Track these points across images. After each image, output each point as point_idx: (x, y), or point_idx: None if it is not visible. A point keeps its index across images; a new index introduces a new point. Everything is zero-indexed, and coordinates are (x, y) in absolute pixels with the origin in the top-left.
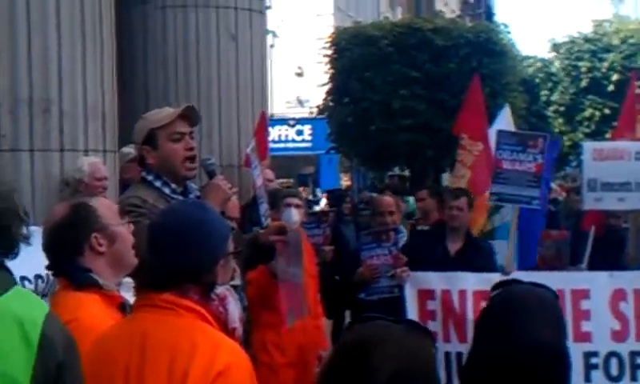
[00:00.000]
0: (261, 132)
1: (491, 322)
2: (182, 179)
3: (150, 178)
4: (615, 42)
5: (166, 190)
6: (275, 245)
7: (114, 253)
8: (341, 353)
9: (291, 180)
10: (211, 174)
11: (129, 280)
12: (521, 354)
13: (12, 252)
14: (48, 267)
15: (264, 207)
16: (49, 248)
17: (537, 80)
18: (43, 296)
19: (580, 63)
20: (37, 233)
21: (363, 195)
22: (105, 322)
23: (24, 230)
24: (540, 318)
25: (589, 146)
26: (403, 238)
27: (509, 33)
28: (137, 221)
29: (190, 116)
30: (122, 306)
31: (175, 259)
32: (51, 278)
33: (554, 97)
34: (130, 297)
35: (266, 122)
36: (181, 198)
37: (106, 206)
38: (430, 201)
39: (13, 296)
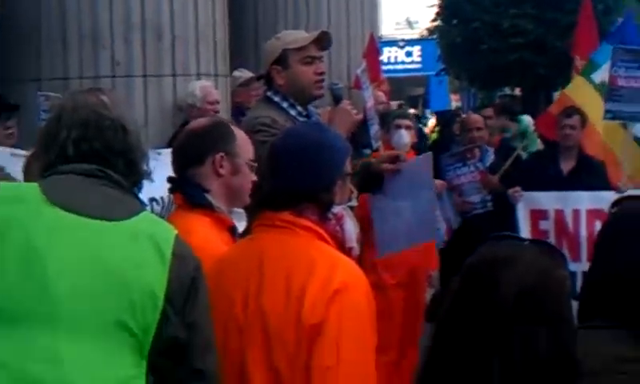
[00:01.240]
0: (371, 54)
1: (616, 236)
2: (311, 99)
3: (276, 98)
4: None
5: (293, 112)
6: (384, 173)
7: (231, 183)
8: (471, 272)
9: (402, 101)
10: (338, 99)
11: (240, 210)
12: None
13: (138, 184)
14: (169, 179)
15: (375, 129)
16: (178, 152)
17: None
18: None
19: None
20: (152, 157)
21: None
22: (215, 244)
23: (146, 166)
24: None
25: None
26: (490, 156)
27: None
28: (267, 140)
29: (322, 40)
30: (233, 230)
31: (293, 179)
32: (166, 201)
33: None
34: (240, 226)
35: (375, 43)
36: (306, 120)
37: (244, 139)
38: (497, 120)
39: (144, 218)
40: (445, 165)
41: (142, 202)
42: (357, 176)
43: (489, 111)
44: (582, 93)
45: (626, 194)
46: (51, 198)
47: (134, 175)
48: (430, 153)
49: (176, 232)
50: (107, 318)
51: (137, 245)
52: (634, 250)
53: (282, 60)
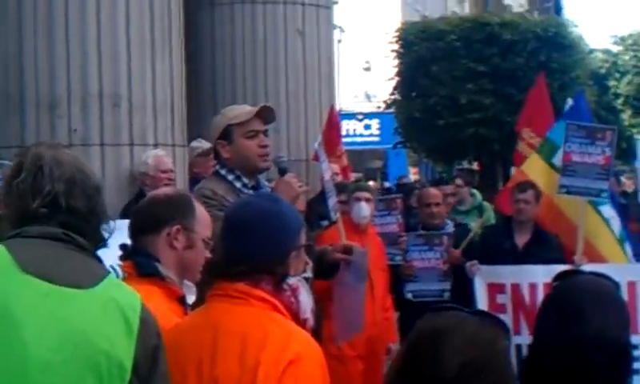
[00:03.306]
0: (332, 126)
1: (553, 313)
2: (256, 172)
3: (223, 171)
4: None
5: (238, 184)
6: (340, 263)
7: (184, 257)
8: (414, 341)
9: (360, 174)
10: (283, 171)
11: (190, 283)
12: (582, 346)
13: (98, 248)
14: (121, 247)
15: (332, 201)
16: (136, 216)
17: (602, 71)
18: None
19: None
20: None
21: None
22: (166, 315)
23: (108, 231)
24: (601, 310)
25: None
26: (450, 229)
27: (577, 26)
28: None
29: (265, 115)
30: (182, 300)
31: (248, 250)
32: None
33: (621, 89)
34: (190, 299)
35: (335, 117)
36: (252, 192)
37: (205, 216)
38: (466, 189)
39: (110, 283)
40: (410, 244)
41: (104, 266)
42: (311, 254)
43: (450, 188)
44: (541, 172)
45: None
46: (23, 264)
47: (99, 239)
48: (365, 250)
49: (140, 298)
50: None
51: (106, 316)
52: (562, 327)
53: (226, 135)
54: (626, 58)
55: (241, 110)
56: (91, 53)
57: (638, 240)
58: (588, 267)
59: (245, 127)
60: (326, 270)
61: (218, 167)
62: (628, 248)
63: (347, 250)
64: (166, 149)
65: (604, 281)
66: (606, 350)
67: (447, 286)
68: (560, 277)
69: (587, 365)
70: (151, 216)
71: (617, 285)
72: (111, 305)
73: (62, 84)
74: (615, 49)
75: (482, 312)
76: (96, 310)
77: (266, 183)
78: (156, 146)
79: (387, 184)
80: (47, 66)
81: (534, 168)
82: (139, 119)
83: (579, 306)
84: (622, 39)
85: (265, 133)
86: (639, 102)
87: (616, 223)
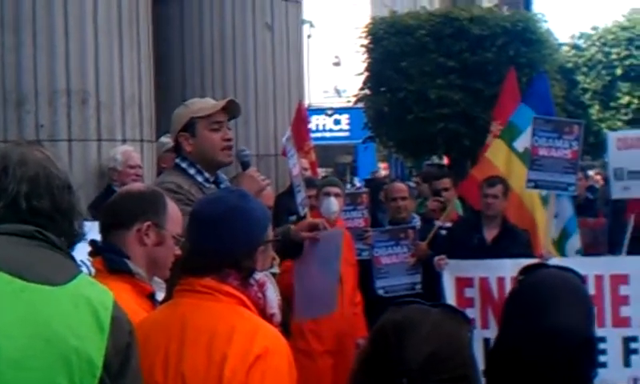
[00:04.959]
0: (299, 122)
1: (518, 306)
2: (218, 166)
3: (184, 165)
4: None
5: (199, 178)
6: (304, 241)
7: (154, 254)
8: (378, 335)
9: (329, 169)
10: (245, 165)
11: (159, 280)
12: (546, 339)
13: (73, 246)
14: (90, 242)
15: (301, 196)
16: (107, 211)
17: (570, 66)
18: None
19: (615, 50)
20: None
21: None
22: (135, 312)
23: (82, 227)
24: (566, 303)
25: (612, 136)
26: (417, 223)
27: (546, 21)
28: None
29: (231, 109)
30: (152, 296)
31: (215, 245)
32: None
33: (589, 84)
34: (159, 296)
35: (304, 111)
36: (213, 186)
37: (176, 213)
38: (424, 186)
39: (81, 281)
40: (376, 240)
41: (76, 263)
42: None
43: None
44: (504, 158)
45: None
46: None
47: (72, 236)
48: (341, 230)
49: (113, 295)
50: None
51: (77, 313)
52: (527, 321)
53: (189, 127)
54: (594, 52)
55: (205, 103)
56: (59, 48)
57: (616, 230)
58: (556, 261)
59: (209, 120)
60: (289, 248)
61: (178, 160)
62: (575, 241)
63: (313, 227)
64: (134, 144)
65: (569, 274)
66: (571, 342)
67: (417, 278)
68: (525, 270)
69: (552, 358)
70: (123, 211)
71: (582, 278)
72: (83, 302)
73: (30, 80)
74: (583, 44)
75: (444, 305)
76: (67, 307)
77: (225, 177)
78: (124, 141)
79: (357, 181)
80: (14, 63)
81: (497, 154)
82: (107, 115)
83: (544, 299)
84: (590, 35)
85: (228, 127)
86: (607, 97)
87: (563, 218)
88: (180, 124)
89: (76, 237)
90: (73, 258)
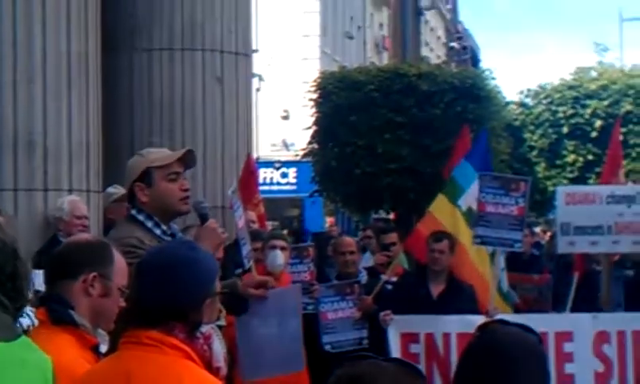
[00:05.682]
0: (248, 174)
1: (474, 368)
2: (175, 216)
3: (140, 217)
4: (598, 88)
5: (157, 231)
6: (250, 298)
7: (99, 305)
8: None
9: (276, 223)
10: (204, 218)
11: (103, 332)
12: None
13: (21, 310)
14: (35, 293)
15: (246, 249)
16: (53, 260)
17: (517, 123)
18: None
19: (561, 108)
20: None
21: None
22: (80, 364)
23: (28, 293)
24: (525, 369)
25: (561, 191)
26: (363, 278)
27: (494, 78)
28: (135, 262)
29: (187, 159)
30: (96, 348)
31: (162, 297)
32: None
33: (536, 141)
34: (102, 348)
35: (252, 165)
36: (170, 239)
37: (123, 265)
38: (373, 239)
39: (24, 343)
40: (322, 296)
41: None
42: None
43: (393, 236)
44: (449, 214)
45: (495, 318)
46: None
47: (19, 301)
48: (299, 284)
49: (51, 361)
50: None
51: (26, 372)
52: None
53: (145, 177)
54: (541, 110)
55: (161, 153)
56: (6, 96)
57: (561, 285)
58: (507, 317)
59: (166, 170)
60: (234, 303)
61: (133, 212)
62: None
63: (261, 285)
64: (80, 194)
65: (527, 335)
66: None
67: (364, 333)
68: (483, 327)
69: None
70: (70, 261)
71: (538, 336)
72: (29, 362)
73: None
74: (531, 101)
75: (398, 360)
76: (15, 365)
77: (177, 228)
78: (70, 191)
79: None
80: None
81: (441, 210)
82: (54, 164)
83: (502, 365)
84: (537, 92)
85: (184, 177)
86: (553, 155)
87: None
88: (135, 174)
89: (23, 301)
90: (16, 321)
